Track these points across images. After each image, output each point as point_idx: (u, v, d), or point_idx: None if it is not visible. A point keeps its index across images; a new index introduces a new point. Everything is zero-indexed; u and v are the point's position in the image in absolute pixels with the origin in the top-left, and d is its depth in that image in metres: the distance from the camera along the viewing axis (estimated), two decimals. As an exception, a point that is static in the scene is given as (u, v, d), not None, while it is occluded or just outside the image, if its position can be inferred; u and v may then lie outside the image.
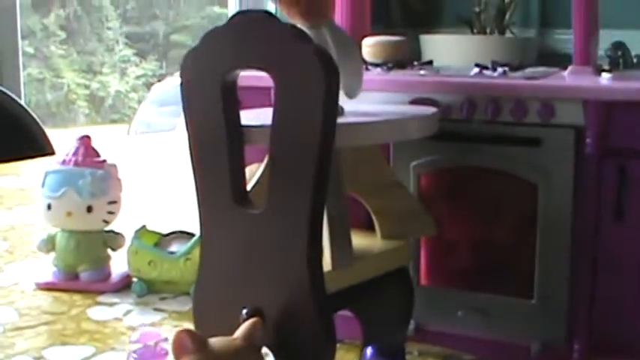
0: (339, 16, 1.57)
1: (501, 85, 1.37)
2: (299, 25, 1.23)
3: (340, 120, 1.22)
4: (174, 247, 1.81)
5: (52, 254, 1.87)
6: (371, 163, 1.37)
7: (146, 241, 1.80)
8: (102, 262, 1.89)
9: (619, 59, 1.46)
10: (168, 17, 4.85)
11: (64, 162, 1.81)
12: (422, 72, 1.46)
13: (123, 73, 5.08)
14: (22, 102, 3.04)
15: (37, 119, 2.71)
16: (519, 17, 3.23)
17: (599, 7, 1.48)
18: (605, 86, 1.32)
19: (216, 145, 1.26)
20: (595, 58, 1.47)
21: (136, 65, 5.07)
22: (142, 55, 4.99)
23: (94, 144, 1.84)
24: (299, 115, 1.19)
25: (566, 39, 2.95)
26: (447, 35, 3.11)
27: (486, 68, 1.46)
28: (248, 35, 1.21)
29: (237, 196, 1.27)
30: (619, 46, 1.47)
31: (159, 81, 4.79)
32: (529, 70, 1.48)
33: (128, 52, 4.97)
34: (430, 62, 1.64)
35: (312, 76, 1.16)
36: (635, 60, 1.48)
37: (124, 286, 1.87)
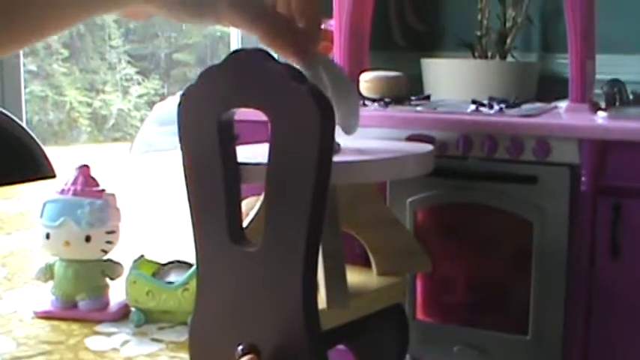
0: (338, 50, 1.59)
1: (497, 123, 1.38)
2: (294, 64, 1.24)
3: (336, 158, 1.23)
4: (173, 277, 1.82)
5: (51, 283, 1.87)
6: (367, 199, 1.38)
7: (144, 271, 1.81)
8: (100, 291, 1.89)
9: (615, 96, 1.47)
10: (171, 36, 4.88)
11: (62, 191, 1.81)
12: (419, 108, 1.47)
13: (125, 92, 5.11)
14: (24, 122, 3.06)
15: (38, 141, 2.72)
16: (521, 42, 3.25)
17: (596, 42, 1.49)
18: (600, 125, 1.33)
19: (212, 182, 1.27)
20: (591, 95, 1.48)
21: (139, 84, 5.10)
22: (144, 73, 5.01)
23: (93, 172, 1.84)
24: (294, 154, 1.19)
25: (567, 63, 2.97)
26: (448, 59, 3.13)
27: (483, 105, 1.47)
28: (243, 74, 1.22)
29: (233, 234, 1.27)
30: (615, 83, 1.48)
31: (161, 100, 4.82)
32: (526, 107, 1.49)
33: (131, 70, 5.00)
34: (428, 97, 1.64)
35: (307, 116, 1.16)
36: (631, 97, 1.48)
37: (122, 315, 1.87)
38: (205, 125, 1.26)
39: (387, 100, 1.51)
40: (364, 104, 1.50)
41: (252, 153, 1.32)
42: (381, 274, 1.39)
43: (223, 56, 1.25)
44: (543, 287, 1.37)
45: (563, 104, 1.48)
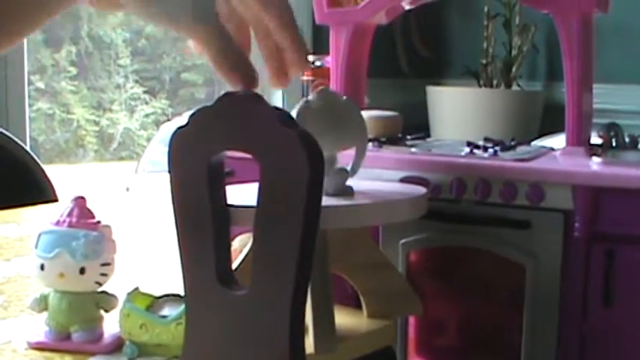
0: (334, 88, 1.58)
1: (491, 166, 1.37)
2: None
3: (328, 202, 1.23)
4: (167, 311, 1.81)
5: (45, 313, 1.87)
6: (359, 242, 1.37)
7: (138, 304, 1.80)
8: (94, 322, 1.88)
9: (611, 140, 1.46)
10: (179, 56, 4.90)
11: (57, 223, 1.81)
12: (413, 149, 1.46)
13: (132, 111, 5.13)
14: (27, 141, 3.07)
15: (40, 164, 2.73)
16: (526, 70, 3.26)
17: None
18: (594, 172, 1.32)
19: (201, 224, 1.27)
20: (588, 138, 1.47)
21: (146, 103, 5.11)
22: (151, 93, 5.03)
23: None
24: (283, 199, 1.20)
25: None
26: (453, 87, 3.14)
27: (478, 147, 1.46)
28: (234, 117, 1.22)
29: (221, 277, 1.28)
30: (612, 127, 1.47)
31: (168, 120, 4.83)
32: (521, 150, 1.48)
33: (138, 89, 5.02)
34: (423, 136, 1.63)
35: (296, 162, 1.17)
36: (627, 140, 1.47)
37: (115, 347, 1.87)
38: (195, 167, 1.27)
39: (381, 140, 1.50)
40: (358, 144, 1.49)
41: (243, 194, 1.32)
42: (372, 316, 1.39)
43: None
44: (535, 332, 1.36)
45: (562, 139, 1.47)
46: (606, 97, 3.01)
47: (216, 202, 1.31)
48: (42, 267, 1.81)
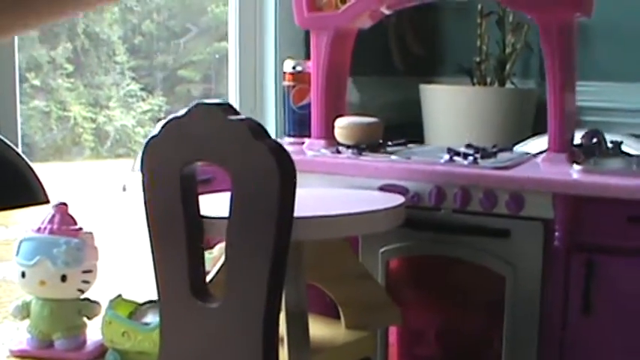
0: (315, 94, 1.56)
1: (470, 175, 1.35)
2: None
3: (303, 213, 1.21)
4: (149, 318, 1.79)
5: (27, 321, 1.86)
6: (335, 253, 1.36)
7: (121, 312, 1.79)
8: (76, 330, 1.87)
9: (594, 147, 1.44)
10: (176, 52, 4.87)
11: (38, 230, 1.80)
12: (392, 157, 1.44)
13: (129, 108, 5.09)
14: (19, 139, 3.05)
15: (31, 165, 2.71)
16: (520, 68, 3.23)
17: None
18: (574, 180, 1.30)
19: (174, 236, 1.26)
20: (570, 143, 1.45)
21: (143, 100, 5.07)
22: (148, 89, 4.99)
23: (71, 211, 1.83)
24: (254, 210, 1.18)
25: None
26: (446, 86, 3.11)
27: (458, 154, 1.44)
28: (205, 129, 1.21)
29: (195, 289, 1.26)
30: (594, 133, 1.45)
31: (164, 117, 4.80)
32: (502, 157, 1.46)
33: (135, 86, 4.98)
34: (405, 142, 1.61)
35: (267, 174, 1.16)
36: (610, 145, 1.45)
37: (98, 355, 1.85)
38: (168, 178, 1.25)
39: (361, 147, 1.48)
40: (338, 151, 1.47)
41: (217, 204, 1.31)
42: (350, 327, 1.37)
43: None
44: (515, 341, 1.34)
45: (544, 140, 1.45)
46: (599, 95, 2.98)
47: (189, 213, 1.29)
48: (23, 274, 1.79)
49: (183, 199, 1.23)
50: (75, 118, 4.97)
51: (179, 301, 1.25)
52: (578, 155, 1.43)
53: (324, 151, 1.48)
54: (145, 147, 1.26)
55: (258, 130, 1.17)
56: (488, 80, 3.11)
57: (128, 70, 5.11)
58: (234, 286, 1.19)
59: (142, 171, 1.29)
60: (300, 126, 1.63)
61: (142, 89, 5.01)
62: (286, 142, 1.69)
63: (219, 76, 4.00)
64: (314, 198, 1.37)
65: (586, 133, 1.46)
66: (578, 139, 1.48)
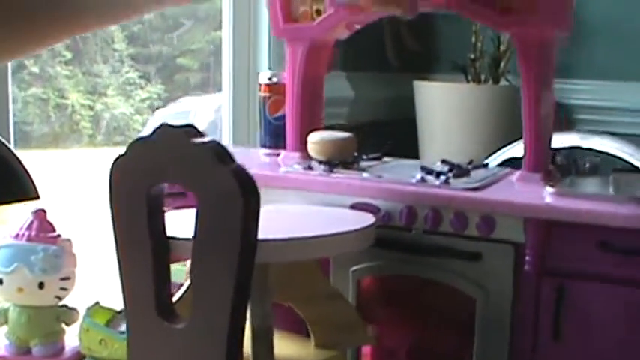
0: (290, 105, 1.54)
1: (441, 196, 1.34)
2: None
3: (273, 234, 1.21)
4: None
5: (5, 327, 1.86)
6: (306, 273, 1.35)
7: (98, 319, 1.79)
8: (55, 336, 1.87)
9: (570, 167, 1.42)
10: (174, 40, 4.84)
11: (16, 236, 1.79)
12: (364, 174, 1.42)
13: (128, 96, 5.08)
14: (11, 131, 3.04)
15: (21, 160, 2.70)
16: (514, 66, 3.19)
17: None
18: (546, 205, 1.28)
19: (141, 256, 1.25)
20: (547, 162, 1.43)
21: (141, 88, 5.06)
22: (147, 77, 4.98)
23: (49, 218, 1.82)
24: (218, 232, 1.18)
25: (560, 88, 2.92)
26: (440, 83, 3.08)
27: (431, 173, 1.42)
28: (170, 151, 1.20)
29: (160, 310, 1.26)
30: (571, 153, 1.44)
31: (163, 105, 4.78)
32: (476, 175, 1.43)
33: (133, 74, 4.97)
34: (380, 157, 1.59)
35: (230, 196, 1.15)
36: (587, 165, 1.44)
37: (76, 361, 1.85)
38: (135, 198, 1.24)
39: (334, 163, 1.46)
40: (310, 167, 1.45)
41: (184, 223, 1.30)
42: (320, 346, 1.36)
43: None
44: (486, 364, 1.34)
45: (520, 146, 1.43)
46: (597, 93, 2.95)
47: (155, 233, 1.28)
48: (1, 281, 1.80)
49: (150, 219, 1.23)
50: (73, 106, 4.96)
51: (145, 319, 1.24)
52: (554, 175, 1.41)
53: (296, 166, 1.46)
54: (112, 166, 1.25)
55: (221, 153, 1.16)
56: (483, 77, 3.08)
57: (127, 57, 5.09)
58: (200, 305, 1.19)
59: (109, 190, 1.28)
60: (275, 137, 1.61)
61: (140, 77, 5.00)
62: (262, 154, 1.67)
63: (217, 65, 3.95)
64: (285, 216, 1.37)
65: (563, 152, 1.44)
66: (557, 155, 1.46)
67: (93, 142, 5.15)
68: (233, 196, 1.14)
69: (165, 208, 1.33)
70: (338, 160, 1.46)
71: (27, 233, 1.78)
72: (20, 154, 2.68)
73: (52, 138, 5.03)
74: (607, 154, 2.30)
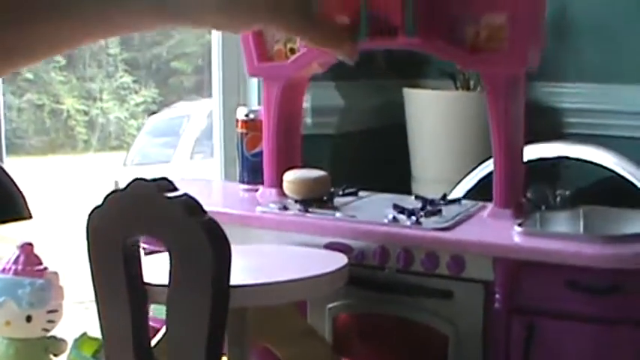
0: (266, 143, 1.56)
1: (412, 236, 1.37)
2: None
3: (248, 278, 1.24)
4: (113, 356, 1.82)
5: (-6, 358, 1.89)
6: (281, 313, 1.38)
7: (85, 350, 1.82)
8: (43, 367, 1.90)
9: (540, 201, 1.45)
10: (168, 45, 4.87)
11: (3, 270, 1.83)
12: (337, 214, 1.45)
13: (122, 100, 5.11)
14: (2, 140, 3.05)
15: (13, 178, 2.72)
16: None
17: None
18: (515, 245, 1.31)
19: (119, 303, 1.28)
20: (518, 197, 1.46)
21: (136, 92, 5.09)
22: (141, 82, 5.01)
23: (37, 250, 1.85)
24: (191, 281, 1.22)
25: (551, 92, 2.93)
26: (430, 90, 3.09)
27: (403, 211, 1.44)
28: (143, 205, 1.23)
29: (139, 356, 1.29)
30: (540, 188, 1.46)
31: (157, 110, 4.81)
32: (447, 213, 1.45)
33: (128, 78, 4.99)
34: (355, 192, 1.61)
35: (201, 249, 1.19)
36: (558, 199, 1.46)
37: (64, 391, 1.88)
38: (111, 248, 1.27)
39: (308, 201, 1.48)
40: (285, 207, 1.48)
41: (163, 267, 1.33)
42: (297, 385, 1.39)
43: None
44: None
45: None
46: (586, 97, 2.96)
47: (131, 281, 1.31)
48: (-13, 315, 1.83)
49: (126, 268, 1.25)
50: (68, 111, 4.98)
51: (123, 368, 1.27)
52: (525, 209, 1.44)
53: (272, 206, 1.49)
54: (89, 216, 1.28)
55: (192, 206, 1.19)
56: (472, 84, 3.09)
57: (121, 62, 5.11)
58: (175, 350, 1.22)
59: (86, 238, 1.31)
60: (254, 173, 1.64)
61: (134, 82, 5.02)
62: (241, 189, 1.70)
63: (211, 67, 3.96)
64: (261, 257, 1.39)
65: (533, 186, 1.46)
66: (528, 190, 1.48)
67: (88, 147, 5.19)
68: (203, 248, 1.18)
69: (143, 250, 1.36)
70: (313, 197, 1.49)
71: (14, 267, 1.81)
72: (16, 161, 2.70)
73: (48, 144, 5.06)
74: (593, 163, 2.33)
